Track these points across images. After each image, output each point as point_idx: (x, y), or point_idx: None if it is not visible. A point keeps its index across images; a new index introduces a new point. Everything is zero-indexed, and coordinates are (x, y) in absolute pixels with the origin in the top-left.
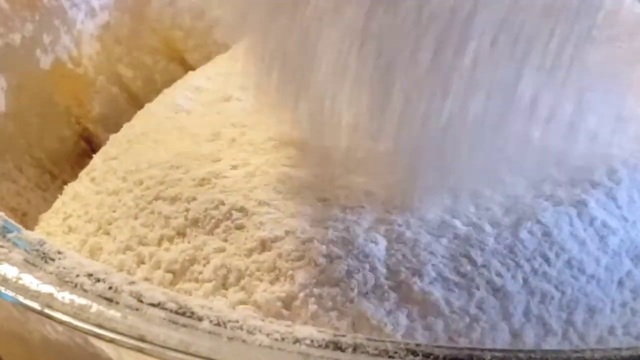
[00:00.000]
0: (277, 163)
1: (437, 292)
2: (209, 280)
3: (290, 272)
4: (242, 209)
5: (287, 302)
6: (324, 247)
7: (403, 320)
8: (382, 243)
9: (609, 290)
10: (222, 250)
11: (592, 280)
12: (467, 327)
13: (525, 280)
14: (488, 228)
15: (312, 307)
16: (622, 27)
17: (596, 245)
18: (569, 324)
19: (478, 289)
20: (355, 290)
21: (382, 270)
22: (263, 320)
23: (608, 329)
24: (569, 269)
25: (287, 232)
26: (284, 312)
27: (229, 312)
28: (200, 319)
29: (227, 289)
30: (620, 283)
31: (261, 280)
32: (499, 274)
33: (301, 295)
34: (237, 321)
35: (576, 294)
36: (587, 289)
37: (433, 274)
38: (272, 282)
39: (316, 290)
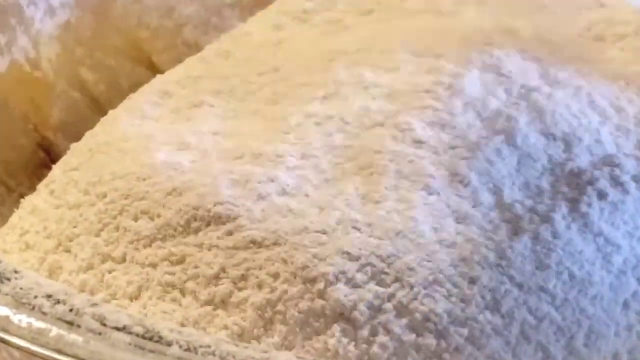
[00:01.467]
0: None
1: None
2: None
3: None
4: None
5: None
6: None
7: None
8: None
9: (613, 312)
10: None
11: (595, 302)
12: (456, 349)
13: (522, 300)
14: (482, 240)
15: None
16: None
17: (600, 263)
18: (569, 349)
19: (471, 305)
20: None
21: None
22: (237, 345)
23: (612, 355)
24: (569, 289)
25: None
26: None
27: (200, 337)
28: (169, 344)
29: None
30: (626, 304)
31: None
32: (492, 291)
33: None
34: (208, 346)
35: (577, 316)
36: (589, 310)
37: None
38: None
39: None
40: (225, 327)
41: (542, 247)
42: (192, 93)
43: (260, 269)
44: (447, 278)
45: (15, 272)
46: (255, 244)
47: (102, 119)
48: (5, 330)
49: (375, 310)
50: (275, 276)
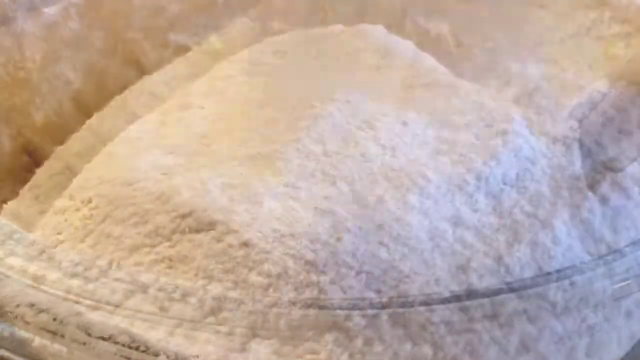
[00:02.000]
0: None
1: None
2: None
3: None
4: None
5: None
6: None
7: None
8: None
9: (615, 321)
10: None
11: (596, 310)
12: (453, 358)
13: (521, 309)
14: (480, 246)
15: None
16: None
17: (601, 270)
18: (570, 359)
19: (468, 314)
20: None
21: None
22: (226, 355)
23: None
24: (570, 297)
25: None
26: None
27: (188, 346)
28: (156, 354)
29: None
30: (628, 313)
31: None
32: (491, 299)
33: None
34: (197, 356)
35: (579, 325)
36: (591, 319)
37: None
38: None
39: None
40: (215, 335)
41: (542, 253)
42: (181, 95)
43: (251, 275)
44: (444, 286)
45: None
46: (246, 249)
47: (88, 122)
48: None
49: (370, 319)
50: (267, 283)
